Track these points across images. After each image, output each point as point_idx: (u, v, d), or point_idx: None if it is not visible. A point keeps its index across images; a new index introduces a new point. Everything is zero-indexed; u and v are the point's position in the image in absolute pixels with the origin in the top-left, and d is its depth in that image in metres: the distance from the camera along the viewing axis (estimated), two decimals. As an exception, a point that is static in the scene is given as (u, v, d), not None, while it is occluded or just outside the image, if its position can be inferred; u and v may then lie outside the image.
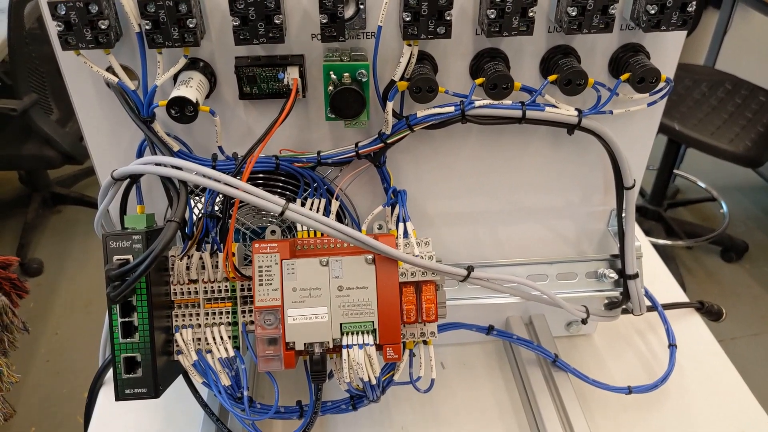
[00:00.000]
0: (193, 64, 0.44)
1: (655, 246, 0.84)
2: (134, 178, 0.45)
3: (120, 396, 0.44)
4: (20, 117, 1.59)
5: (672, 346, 0.59)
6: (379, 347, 0.46)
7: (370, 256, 0.45)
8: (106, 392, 0.60)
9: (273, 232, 0.50)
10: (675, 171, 1.95)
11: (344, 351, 0.45)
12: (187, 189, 0.42)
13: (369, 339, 0.45)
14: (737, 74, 1.73)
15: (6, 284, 1.08)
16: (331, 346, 0.45)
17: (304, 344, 0.45)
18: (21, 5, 1.46)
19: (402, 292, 0.46)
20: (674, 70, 0.47)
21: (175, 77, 0.43)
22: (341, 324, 0.45)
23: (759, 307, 1.70)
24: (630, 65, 0.44)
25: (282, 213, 0.42)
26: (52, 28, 0.39)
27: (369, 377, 0.45)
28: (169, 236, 0.39)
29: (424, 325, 0.47)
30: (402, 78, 0.43)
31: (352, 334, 0.45)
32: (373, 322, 0.45)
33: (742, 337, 1.61)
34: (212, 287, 0.48)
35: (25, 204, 2.00)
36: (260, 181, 0.50)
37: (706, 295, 0.69)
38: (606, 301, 0.58)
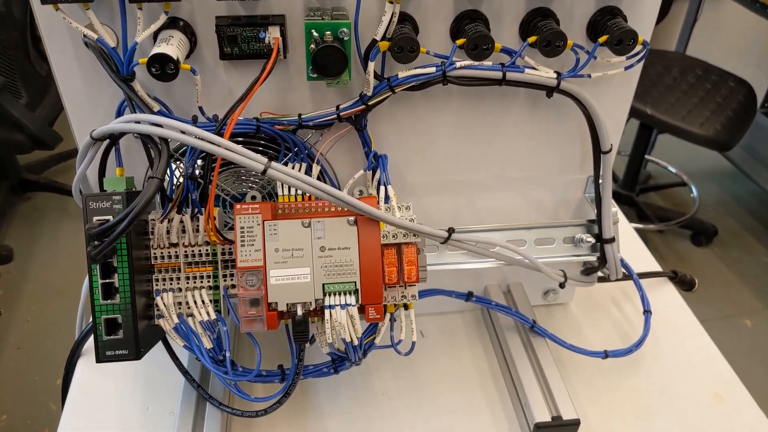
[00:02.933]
0: (173, 23, 0.43)
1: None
2: (114, 138, 0.44)
3: (101, 358, 0.44)
4: (-12, 100, 1.55)
5: (647, 312, 0.60)
6: (361, 309, 0.46)
7: (352, 218, 0.46)
8: (84, 362, 0.59)
9: (253, 197, 0.50)
10: (647, 156, 1.98)
11: (326, 311, 0.45)
12: (168, 146, 0.42)
13: (351, 299, 0.45)
14: (708, 60, 1.77)
15: (-25, 268, 1.05)
16: (313, 306, 0.45)
17: (287, 305, 0.45)
18: (-13, -15, 1.42)
19: (383, 254, 0.46)
20: (650, 34, 0.48)
21: (155, 36, 0.43)
22: (323, 284, 0.45)
23: (728, 291, 1.75)
24: (608, 28, 0.45)
25: (264, 171, 0.42)
26: (29, -19, 0.38)
27: (351, 337, 0.46)
28: (150, 193, 0.39)
29: (405, 288, 0.48)
30: (383, 38, 0.43)
31: (335, 294, 0.45)
32: (355, 282, 0.45)
33: (713, 320, 1.66)
34: (193, 251, 0.47)
35: (-7, 190, 1.95)
36: (240, 139, 0.50)
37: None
38: (583, 267, 0.59)
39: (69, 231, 1.93)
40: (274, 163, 0.42)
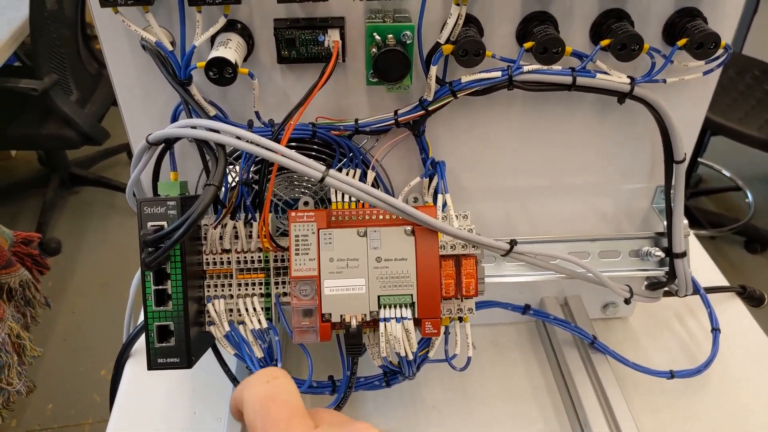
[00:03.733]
0: (230, 26, 0.42)
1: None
2: (169, 143, 0.43)
3: (153, 365, 0.43)
4: (40, 97, 1.59)
5: (715, 330, 0.57)
6: (416, 322, 0.44)
7: (409, 228, 0.44)
8: (133, 364, 0.59)
9: (306, 203, 0.49)
10: (699, 159, 1.91)
11: (381, 324, 0.43)
12: (225, 152, 0.41)
13: (407, 312, 0.44)
14: (766, 60, 1.69)
15: (28, 260, 1.08)
16: (368, 318, 0.44)
17: (341, 316, 0.43)
18: (43, -14, 1.46)
19: (441, 266, 0.44)
20: (732, 37, 0.45)
21: (212, 40, 0.42)
22: (379, 296, 0.44)
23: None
24: (687, 30, 0.42)
25: (322, 179, 0.40)
26: (90, -17, 0.38)
27: (406, 352, 0.44)
28: (207, 201, 0.38)
29: (462, 300, 0.46)
30: (448, 41, 0.41)
31: (390, 307, 0.44)
32: (411, 295, 0.44)
33: None
34: (245, 257, 0.46)
35: (43, 184, 2.01)
36: (293, 144, 0.49)
37: (731, 287, 0.67)
38: (647, 282, 0.56)
39: (115, 225, 1.98)
40: (332, 171, 0.41)
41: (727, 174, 2.02)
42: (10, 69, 1.78)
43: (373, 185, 0.50)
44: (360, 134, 0.47)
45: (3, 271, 0.93)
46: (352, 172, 0.48)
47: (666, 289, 0.55)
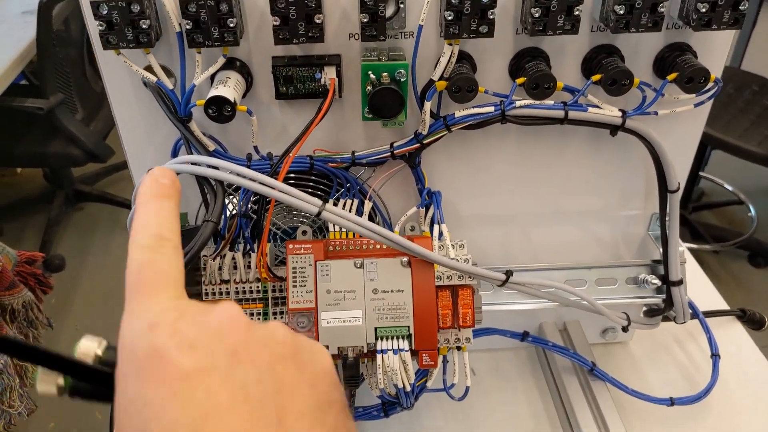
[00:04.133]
0: (230, 63, 0.43)
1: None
2: (169, 178, 0.44)
3: None
4: (46, 116, 1.61)
5: (715, 356, 0.57)
6: (413, 353, 0.45)
7: (405, 259, 0.45)
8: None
9: (304, 232, 0.49)
10: (700, 173, 1.91)
11: (378, 356, 0.44)
12: (224, 189, 0.42)
13: (404, 344, 0.44)
14: (765, 75, 1.70)
15: (31, 280, 1.09)
16: (365, 350, 0.44)
17: (338, 348, 0.44)
18: (49, 7, 1.48)
19: (438, 296, 0.45)
20: (721, 70, 0.45)
21: (212, 77, 0.43)
22: (376, 328, 0.44)
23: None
24: (677, 65, 0.42)
25: (319, 213, 0.41)
26: (94, 27, 0.39)
27: (404, 384, 0.44)
28: (206, 236, 0.39)
29: (459, 330, 0.46)
30: (441, 78, 0.42)
31: (387, 338, 0.44)
32: (408, 326, 0.44)
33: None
34: (244, 288, 0.47)
35: (49, 201, 2.03)
36: (292, 181, 0.50)
37: (734, 302, 0.67)
38: (645, 308, 0.56)
39: (120, 241, 1.99)
40: (328, 206, 0.41)
41: (730, 188, 2.02)
42: (18, 88, 1.81)
43: (370, 214, 0.51)
44: (357, 166, 0.47)
45: (6, 292, 0.94)
46: (349, 202, 0.48)
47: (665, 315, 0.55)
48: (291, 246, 0.45)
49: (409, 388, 0.45)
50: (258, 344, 0.23)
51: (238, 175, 0.41)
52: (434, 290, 0.44)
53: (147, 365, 0.21)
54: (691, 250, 1.79)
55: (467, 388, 0.48)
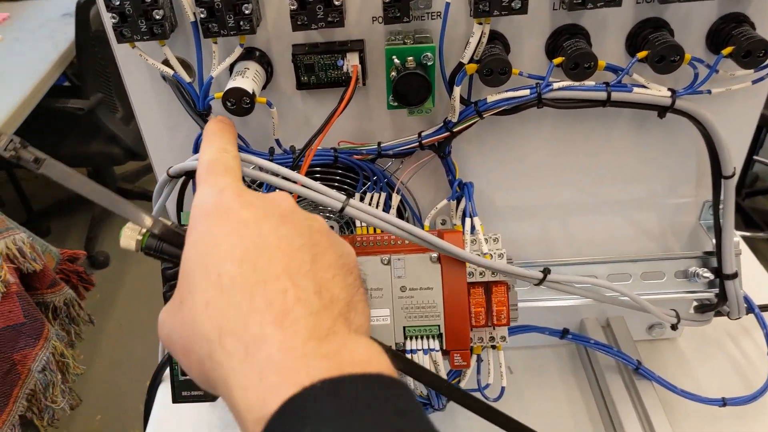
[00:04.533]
0: (248, 54, 0.42)
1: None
2: (190, 175, 0.43)
3: (177, 398, 0.43)
4: (87, 116, 1.65)
5: (772, 353, 0.53)
6: (445, 353, 0.43)
7: (434, 255, 0.42)
8: (165, 388, 0.59)
9: (331, 227, 0.48)
10: (754, 157, 1.81)
11: (408, 356, 0.42)
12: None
13: (434, 344, 0.42)
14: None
15: (74, 277, 1.11)
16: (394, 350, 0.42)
17: (367, 348, 0.42)
18: (86, 8, 1.50)
19: (470, 294, 0.42)
20: (784, 42, 0.41)
21: (231, 68, 0.41)
22: (404, 327, 0.42)
23: None
24: (733, 38, 0.38)
25: (342, 209, 0.39)
26: (107, 20, 0.38)
27: (435, 385, 0.42)
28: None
29: (494, 329, 0.44)
30: (471, 60, 0.39)
31: (417, 338, 0.42)
32: (438, 326, 0.42)
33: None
34: (270, 286, 0.46)
35: (92, 199, 2.08)
36: (317, 175, 0.48)
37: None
38: (696, 304, 0.52)
39: (160, 237, 2.02)
40: (351, 201, 0.39)
41: (786, 172, 1.91)
42: (61, 89, 1.85)
43: (399, 208, 0.48)
44: (383, 157, 0.45)
45: (48, 290, 0.96)
46: (376, 196, 0.46)
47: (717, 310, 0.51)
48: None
49: (441, 390, 0.43)
50: (302, 217, 0.29)
51: (260, 169, 0.40)
52: (466, 287, 0.42)
53: (215, 213, 0.28)
54: (744, 238, 1.70)
55: (503, 389, 0.45)
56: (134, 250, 0.31)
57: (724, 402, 0.51)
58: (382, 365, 0.24)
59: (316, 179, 0.47)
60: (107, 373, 1.57)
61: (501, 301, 0.42)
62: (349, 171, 0.47)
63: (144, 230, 0.31)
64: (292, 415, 0.21)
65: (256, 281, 0.25)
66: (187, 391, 0.43)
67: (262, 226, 0.27)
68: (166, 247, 0.31)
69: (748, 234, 1.71)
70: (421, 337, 0.42)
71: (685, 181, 0.49)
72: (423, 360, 0.42)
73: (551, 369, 0.59)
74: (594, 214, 0.51)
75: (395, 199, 0.47)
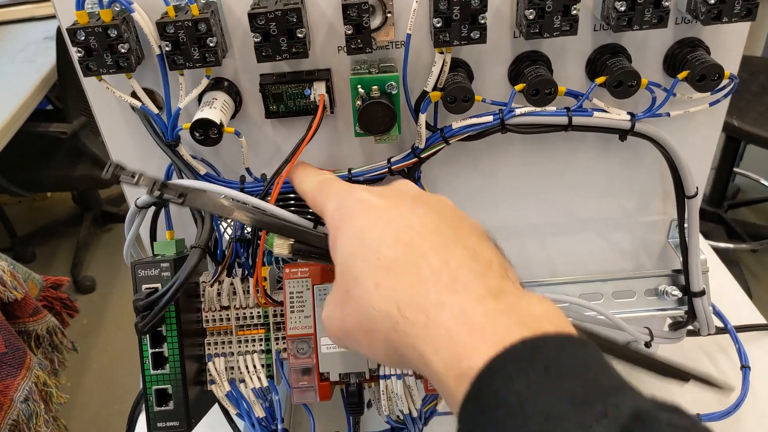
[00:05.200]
0: (217, 84, 0.42)
1: (716, 250, 0.77)
2: (158, 205, 0.43)
3: (152, 430, 0.43)
4: (71, 139, 1.65)
5: (745, 367, 0.53)
6: (419, 376, 0.43)
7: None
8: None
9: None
10: (735, 169, 1.84)
11: (381, 382, 0.42)
12: (211, 214, 0.41)
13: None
14: (800, 64, 1.63)
15: (57, 304, 1.10)
16: (367, 376, 0.42)
17: (339, 374, 0.42)
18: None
19: (442, 317, 0.42)
20: (737, 66, 0.42)
21: (200, 98, 0.42)
22: (378, 352, 0.42)
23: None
24: (688, 62, 0.40)
25: (311, 237, 0.39)
26: (74, 54, 0.38)
27: (409, 409, 0.42)
28: (192, 264, 0.38)
29: (468, 350, 0.44)
30: (435, 88, 0.40)
31: (390, 362, 0.42)
32: (411, 349, 0.42)
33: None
34: (244, 313, 0.46)
35: (77, 223, 2.07)
36: (291, 201, 0.48)
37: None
38: (671, 321, 0.53)
39: (146, 260, 2.01)
40: (320, 228, 0.40)
41: (766, 183, 1.94)
42: (43, 113, 1.85)
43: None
44: (354, 183, 0.46)
45: (30, 318, 0.95)
46: (349, 221, 0.47)
47: (691, 327, 0.52)
48: (288, 270, 0.43)
49: (415, 414, 0.43)
50: (430, 196, 0.32)
51: (227, 198, 0.40)
52: (438, 311, 0.42)
53: (356, 209, 0.31)
54: (727, 249, 1.72)
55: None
56: (287, 253, 0.36)
57: (699, 418, 0.52)
58: (561, 318, 0.25)
59: (290, 206, 0.48)
60: (94, 399, 1.55)
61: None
62: (321, 197, 0.48)
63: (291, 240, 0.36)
64: (499, 372, 0.23)
65: (416, 256, 0.27)
66: (162, 422, 0.43)
67: (401, 211, 0.30)
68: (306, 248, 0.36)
69: (731, 245, 1.73)
70: (394, 362, 0.42)
71: (653, 199, 0.50)
72: (396, 385, 0.42)
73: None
74: (567, 234, 0.52)
75: (367, 224, 0.47)
